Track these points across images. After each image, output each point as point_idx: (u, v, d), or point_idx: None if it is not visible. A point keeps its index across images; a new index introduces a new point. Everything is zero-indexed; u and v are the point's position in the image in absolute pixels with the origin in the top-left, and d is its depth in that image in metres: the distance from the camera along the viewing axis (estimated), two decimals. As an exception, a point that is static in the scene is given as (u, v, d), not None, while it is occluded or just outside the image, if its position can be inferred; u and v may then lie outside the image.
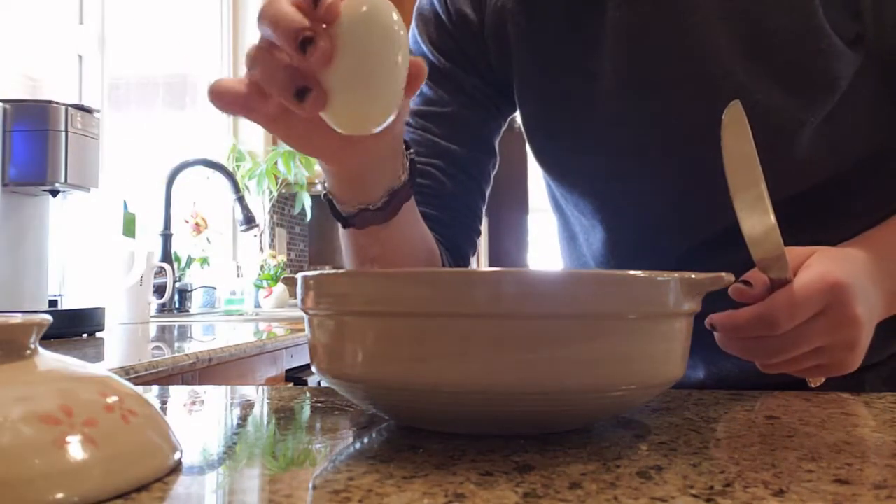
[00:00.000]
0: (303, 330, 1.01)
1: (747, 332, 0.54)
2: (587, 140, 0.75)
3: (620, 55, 0.71)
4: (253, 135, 3.34)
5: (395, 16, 0.45)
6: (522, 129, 0.80)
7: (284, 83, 0.44)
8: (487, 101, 0.81)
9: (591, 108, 0.74)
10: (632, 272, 0.41)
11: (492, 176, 0.85)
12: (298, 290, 0.46)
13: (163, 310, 2.31)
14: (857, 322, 0.55)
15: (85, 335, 1.43)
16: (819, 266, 0.55)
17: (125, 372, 0.96)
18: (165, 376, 1.07)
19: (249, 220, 2.48)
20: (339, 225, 0.65)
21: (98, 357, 1.15)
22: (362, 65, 0.44)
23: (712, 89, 0.67)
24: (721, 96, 0.68)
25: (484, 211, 0.85)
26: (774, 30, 0.66)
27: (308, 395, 0.60)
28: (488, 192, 0.85)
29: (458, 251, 0.82)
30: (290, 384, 1.70)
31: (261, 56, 0.44)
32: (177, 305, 2.43)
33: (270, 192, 3.26)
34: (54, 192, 1.43)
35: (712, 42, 0.67)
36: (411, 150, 0.63)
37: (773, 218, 0.52)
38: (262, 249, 3.23)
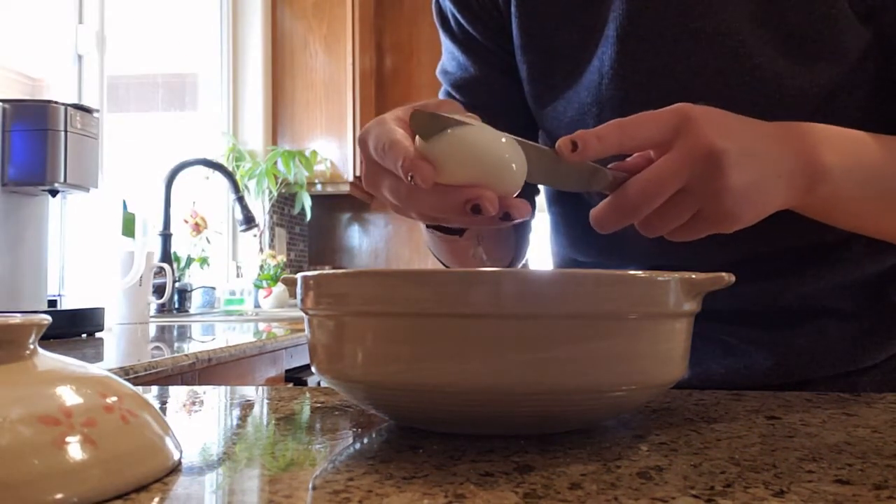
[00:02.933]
0: (302, 330, 1.01)
1: (599, 150, 0.49)
2: (583, 93, 0.73)
3: (621, 6, 0.68)
4: (253, 135, 3.34)
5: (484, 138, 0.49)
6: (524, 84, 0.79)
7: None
8: (512, 62, 0.79)
9: (588, 61, 0.71)
10: (632, 272, 0.41)
11: (536, 126, 0.83)
12: (298, 291, 0.46)
13: (162, 310, 2.31)
14: (713, 147, 0.49)
15: (84, 335, 1.43)
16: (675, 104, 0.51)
17: (125, 372, 0.96)
18: (165, 377, 1.07)
19: (249, 220, 2.48)
20: (435, 234, 0.67)
21: (97, 357, 1.15)
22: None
23: (712, 48, 0.65)
24: (721, 56, 0.65)
25: None
26: None
27: (308, 395, 0.60)
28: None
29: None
30: (290, 384, 1.70)
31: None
32: (176, 305, 2.43)
33: (270, 192, 3.26)
34: (53, 192, 1.43)
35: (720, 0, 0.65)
36: None
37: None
38: (261, 249, 3.23)
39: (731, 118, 0.53)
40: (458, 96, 0.82)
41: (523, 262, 0.91)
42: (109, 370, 0.72)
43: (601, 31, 0.70)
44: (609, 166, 0.52)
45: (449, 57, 0.83)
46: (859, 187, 0.58)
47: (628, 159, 0.54)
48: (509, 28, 0.77)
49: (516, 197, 0.50)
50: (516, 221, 0.49)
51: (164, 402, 0.58)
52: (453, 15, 0.80)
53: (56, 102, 1.39)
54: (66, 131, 1.39)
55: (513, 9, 0.75)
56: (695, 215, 0.52)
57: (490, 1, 0.77)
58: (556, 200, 0.87)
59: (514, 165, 0.48)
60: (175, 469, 0.37)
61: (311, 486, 0.35)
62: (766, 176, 0.52)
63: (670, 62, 0.67)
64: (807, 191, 0.55)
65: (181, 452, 0.38)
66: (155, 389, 0.65)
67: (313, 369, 0.46)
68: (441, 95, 0.85)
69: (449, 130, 0.48)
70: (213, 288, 2.77)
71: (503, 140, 0.49)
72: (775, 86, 0.65)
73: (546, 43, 0.74)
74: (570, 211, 0.84)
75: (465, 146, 0.48)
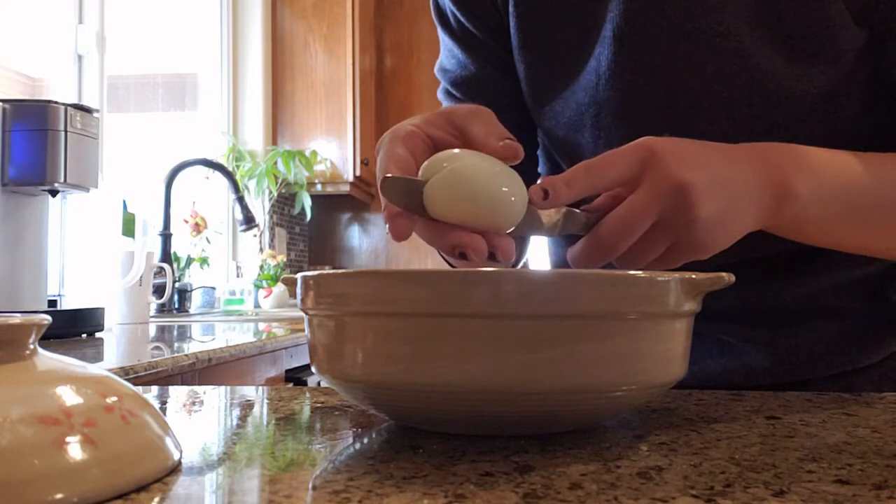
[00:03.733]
0: (303, 330, 1.01)
1: (565, 192, 0.49)
2: (580, 93, 0.72)
3: (618, 6, 0.68)
4: (253, 135, 3.34)
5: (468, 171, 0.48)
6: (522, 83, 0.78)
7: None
8: (512, 60, 0.79)
9: (586, 62, 0.71)
10: (632, 272, 0.41)
11: (534, 124, 0.83)
12: (298, 291, 0.46)
13: (162, 310, 2.31)
14: (679, 181, 0.49)
15: (84, 335, 1.43)
16: (639, 139, 0.51)
17: (125, 372, 0.96)
18: (165, 377, 1.07)
19: (249, 220, 2.48)
20: None
21: (97, 357, 1.15)
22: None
23: (710, 48, 0.65)
24: (719, 57, 0.65)
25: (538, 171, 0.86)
26: None
27: (308, 395, 0.60)
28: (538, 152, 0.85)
29: None
30: (290, 384, 1.70)
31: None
32: (176, 305, 2.43)
33: (270, 192, 3.26)
34: (53, 192, 1.43)
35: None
36: None
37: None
38: (261, 249, 3.23)
39: (697, 147, 0.53)
40: (456, 94, 0.82)
41: (523, 262, 0.91)
42: (109, 370, 0.72)
43: (599, 31, 0.70)
44: (581, 207, 0.53)
45: (448, 54, 0.82)
46: (829, 207, 0.58)
47: (598, 199, 0.54)
48: (507, 26, 0.77)
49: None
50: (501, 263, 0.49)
51: (164, 402, 0.58)
52: (452, 12, 0.80)
53: (56, 102, 1.40)
54: (66, 131, 1.39)
55: (510, 7, 0.75)
56: (670, 247, 0.52)
57: (489, 0, 0.77)
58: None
59: (512, 198, 0.48)
60: (175, 469, 0.37)
61: (311, 486, 0.35)
62: (735, 201, 0.53)
63: (668, 63, 0.67)
64: (776, 211, 0.55)
65: (181, 452, 0.38)
66: (155, 389, 0.65)
67: (313, 369, 0.46)
68: (439, 93, 0.85)
69: (445, 166, 0.47)
70: (213, 288, 2.77)
71: (499, 173, 0.48)
72: (774, 87, 0.65)
73: (544, 42, 0.74)
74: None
75: (460, 185, 0.47)
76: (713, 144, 0.54)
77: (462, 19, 0.79)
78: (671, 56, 0.67)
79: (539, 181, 0.49)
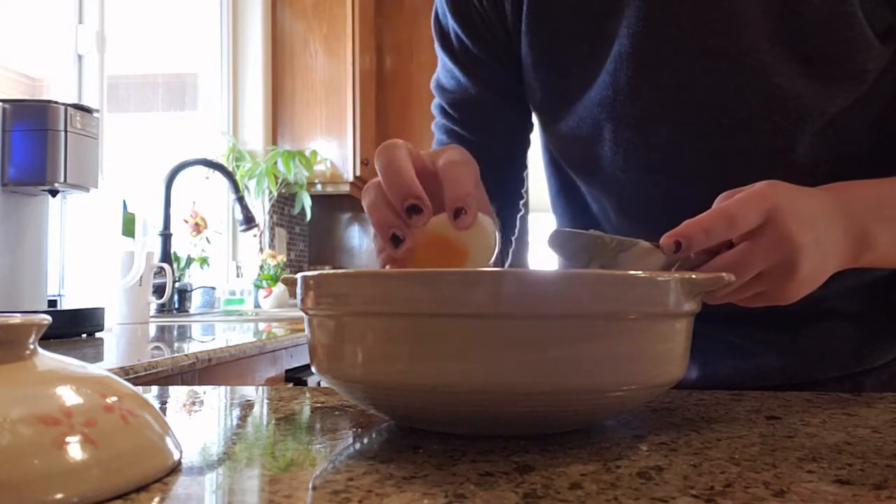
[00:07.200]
0: (303, 330, 1.01)
1: (699, 240, 0.50)
2: (595, 109, 0.72)
3: (638, 21, 0.67)
4: (253, 135, 3.34)
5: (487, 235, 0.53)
6: (530, 104, 0.78)
7: (384, 223, 0.51)
8: (513, 84, 0.79)
9: (596, 76, 0.71)
10: (632, 272, 0.41)
11: (526, 147, 0.85)
12: (298, 291, 0.46)
13: (162, 310, 2.31)
14: (794, 243, 0.52)
15: (84, 335, 1.43)
16: (758, 187, 0.53)
17: (125, 372, 0.96)
18: (165, 377, 1.07)
19: (249, 220, 2.48)
20: None
21: (97, 357, 1.14)
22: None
23: (731, 66, 0.65)
24: (739, 74, 0.65)
25: (524, 189, 0.88)
26: (806, 11, 0.63)
27: (308, 395, 0.60)
28: (525, 172, 0.86)
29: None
30: (290, 384, 1.70)
31: (372, 190, 0.52)
32: (176, 305, 2.43)
33: (270, 192, 3.26)
34: (53, 192, 1.43)
35: (740, 17, 0.64)
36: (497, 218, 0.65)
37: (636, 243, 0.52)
38: (261, 249, 3.23)
39: (807, 200, 0.54)
40: (454, 114, 0.82)
41: (511, 260, 0.91)
42: (109, 370, 0.72)
43: (609, 47, 0.70)
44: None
45: (447, 74, 0.82)
46: None
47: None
48: (514, 47, 0.76)
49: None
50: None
51: (164, 402, 0.58)
52: (456, 34, 0.79)
53: (56, 102, 1.39)
54: (66, 131, 1.39)
55: (523, 27, 0.74)
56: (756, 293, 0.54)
57: (497, 21, 0.76)
58: (559, 202, 0.86)
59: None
60: (175, 469, 0.37)
61: (311, 486, 0.35)
62: (825, 260, 0.55)
63: (687, 79, 0.67)
64: (853, 260, 0.58)
65: (181, 452, 0.38)
66: (155, 389, 0.65)
67: (313, 369, 0.46)
68: (434, 108, 0.84)
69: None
70: (213, 288, 2.77)
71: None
72: (794, 105, 0.65)
73: (558, 59, 0.74)
74: (576, 212, 0.84)
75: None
76: (813, 195, 0.56)
77: (466, 41, 0.79)
78: (691, 73, 0.67)
79: (669, 233, 0.50)
